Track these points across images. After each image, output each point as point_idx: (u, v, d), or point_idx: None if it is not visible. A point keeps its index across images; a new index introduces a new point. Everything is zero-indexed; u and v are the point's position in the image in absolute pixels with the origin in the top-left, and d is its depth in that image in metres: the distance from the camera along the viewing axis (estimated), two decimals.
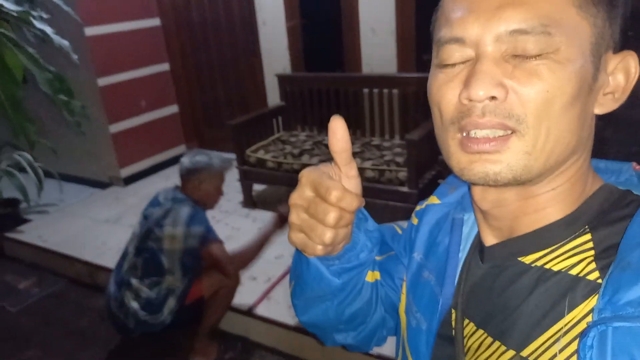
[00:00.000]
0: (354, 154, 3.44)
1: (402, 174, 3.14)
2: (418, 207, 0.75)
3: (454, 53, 0.50)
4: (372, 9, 3.76)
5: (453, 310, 0.61)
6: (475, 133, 0.48)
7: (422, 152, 3.10)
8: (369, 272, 0.72)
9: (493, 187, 0.53)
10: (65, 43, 1.75)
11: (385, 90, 3.79)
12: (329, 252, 0.58)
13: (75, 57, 1.77)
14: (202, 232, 2.27)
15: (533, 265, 0.52)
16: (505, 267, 0.55)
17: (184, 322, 2.40)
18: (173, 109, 5.08)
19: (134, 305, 2.26)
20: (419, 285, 0.68)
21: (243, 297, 2.81)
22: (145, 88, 4.74)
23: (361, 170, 3.29)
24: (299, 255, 0.65)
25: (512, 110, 0.47)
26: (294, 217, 0.56)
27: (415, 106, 3.66)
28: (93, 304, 3.14)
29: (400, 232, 0.77)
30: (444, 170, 2.97)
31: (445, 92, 0.51)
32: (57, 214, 4.26)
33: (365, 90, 3.87)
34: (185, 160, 2.35)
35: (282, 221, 2.43)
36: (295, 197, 0.55)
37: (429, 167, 3.32)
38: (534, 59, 0.46)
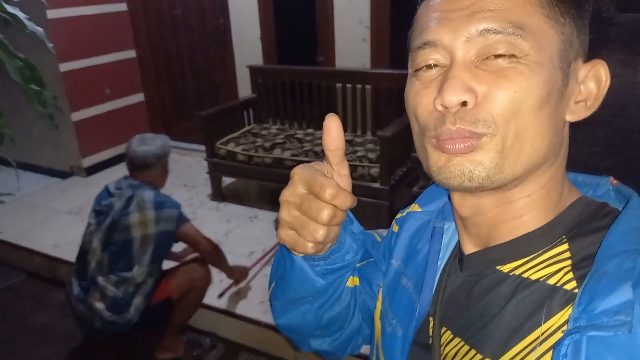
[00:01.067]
0: None
1: (374, 170, 3.14)
2: (399, 215, 0.75)
3: (427, 56, 0.52)
4: (347, 3, 3.73)
5: (431, 318, 0.61)
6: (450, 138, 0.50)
7: (394, 149, 3.12)
8: (350, 277, 0.72)
9: (471, 193, 0.53)
10: (39, 30, 1.63)
11: (359, 86, 3.78)
12: (318, 250, 0.57)
13: (50, 45, 1.66)
14: (176, 215, 2.22)
15: (511, 274, 0.53)
16: (484, 275, 0.55)
17: (151, 323, 2.32)
18: (139, 97, 4.93)
19: (100, 305, 2.16)
20: (397, 292, 0.68)
21: (217, 293, 2.76)
22: (110, 75, 4.58)
23: None
24: (283, 255, 0.64)
25: (481, 115, 0.48)
26: (285, 214, 0.55)
27: (388, 102, 3.67)
28: (53, 299, 3.02)
29: (379, 239, 0.77)
30: (416, 167, 2.99)
31: (421, 99, 0.52)
32: (14, 204, 4.07)
33: (339, 85, 3.86)
34: (144, 148, 2.24)
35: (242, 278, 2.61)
36: (287, 194, 0.55)
37: (400, 164, 3.34)
38: (504, 61, 0.48)
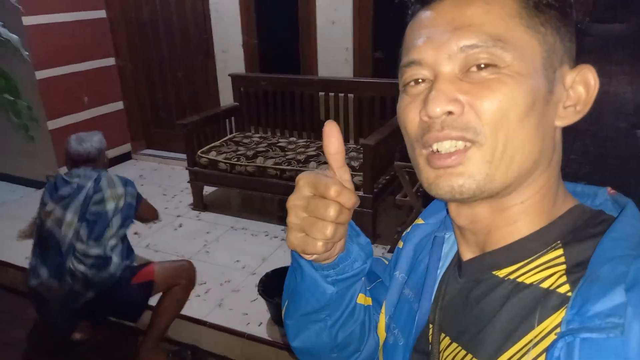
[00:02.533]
0: (309, 157, 3.41)
1: (357, 179, 3.13)
2: (404, 232, 0.76)
3: (413, 73, 0.54)
4: (330, 12, 3.74)
5: (430, 325, 0.62)
6: (437, 147, 0.51)
7: (377, 157, 3.12)
8: (362, 295, 0.72)
9: (465, 204, 0.55)
10: (14, 37, 1.58)
11: (341, 94, 3.78)
12: (327, 254, 0.58)
13: (26, 53, 1.61)
14: (136, 193, 2.45)
15: (506, 278, 0.53)
16: (480, 281, 0.56)
17: (129, 303, 2.38)
18: (118, 105, 4.86)
19: (81, 268, 2.27)
20: (399, 303, 0.69)
21: (198, 304, 2.71)
22: (88, 83, 4.50)
23: None
24: (294, 269, 0.66)
25: (469, 123, 0.49)
26: (293, 217, 0.56)
27: (370, 111, 3.68)
28: (28, 314, 2.92)
29: (386, 263, 0.79)
30: (399, 175, 2.99)
31: (409, 113, 0.54)
32: None
33: (321, 94, 3.85)
34: (87, 145, 2.41)
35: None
36: (293, 199, 0.56)
37: (383, 172, 3.34)
38: (487, 73, 0.49)
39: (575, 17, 0.54)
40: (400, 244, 0.75)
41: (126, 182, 2.42)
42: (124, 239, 2.43)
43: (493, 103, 0.49)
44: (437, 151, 0.51)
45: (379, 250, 3.13)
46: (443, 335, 0.59)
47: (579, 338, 0.42)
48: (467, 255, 0.60)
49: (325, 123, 0.57)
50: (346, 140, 3.86)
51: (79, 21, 4.33)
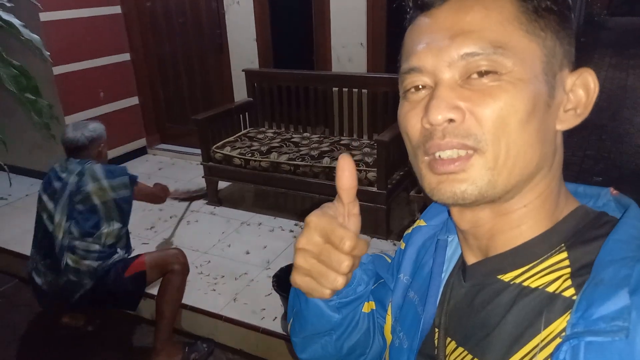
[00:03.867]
0: (323, 153, 3.42)
1: (372, 174, 3.14)
2: (405, 232, 0.77)
3: (414, 80, 0.54)
4: (343, 8, 3.73)
5: (436, 329, 0.62)
6: (439, 155, 0.51)
7: (391, 153, 3.11)
8: (365, 303, 0.73)
9: (468, 208, 0.55)
10: (36, 38, 1.60)
11: (355, 90, 3.77)
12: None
13: (47, 53, 1.62)
14: (128, 180, 2.43)
15: (512, 282, 0.54)
16: (485, 285, 0.56)
17: (123, 295, 2.42)
18: (133, 101, 4.90)
19: (86, 262, 2.31)
20: (404, 306, 0.70)
21: (214, 298, 2.74)
22: (104, 78, 4.54)
23: (330, 170, 3.26)
24: (297, 292, 0.67)
25: (470, 130, 0.50)
26: (301, 261, 0.56)
27: (384, 106, 3.67)
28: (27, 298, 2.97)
29: (389, 261, 0.80)
30: (412, 171, 2.99)
31: (410, 119, 0.54)
32: (6, 208, 4.03)
33: (335, 89, 3.85)
34: (78, 133, 2.41)
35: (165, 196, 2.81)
36: (304, 242, 0.56)
37: (397, 168, 3.33)
38: (487, 80, 0.49)
39: (593, 11, 0.54)
40: (402, 245, 0.76)
41: (112, 173, 2.38)
42: (124, 232, 2.46)
43: (494, 110, 0.49)
44: (440, 157, 0.51)
45: (393, 247, 3.13)
46: (449, 339, 0.59)
47: (584, 341, 0.42)
48: (471, 259, 0.60)
49: (339, 157, 0.56)
50: (360, 136, 3.86)
51: (94, 17, 4.37)
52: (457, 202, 0.52)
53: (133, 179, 2.47)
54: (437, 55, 0.51)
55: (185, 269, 2.50)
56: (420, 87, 0.54)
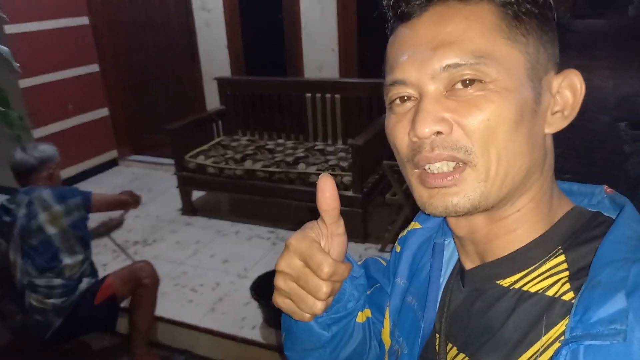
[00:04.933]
0: (298, 159, 3.41)
1: (347, 179, 3.14)
2: (400, 235, 0.76)
3: (398, 92, 0.53)
4: (314, 15, 3.75)
5: (437, 335, 0.61)
6: (429, 168, 0.51)
7: (366, 157, 3.13)
8: (359, 313, 0.72)
9: (461, 216, 0.54)
10: (5, 49, 1.55)
11: (328, 95, 3.79)
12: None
13: (17, 65, 1.57)
14: (80, 200, 2.27)
15: (511, 288, 0.53)
16: (484, 290, 0.56)
17: (98, 323, 2.34)
18: (103, 112, 4.82)
19: (50, 301, 2.18)
20: (402, 310, 0.69)
21: (191, 309, 2.70)
22: (73, 90, 4.46)
23: (306, 175, 3.26)
24: None
25: (459, 142, 0.49)
26: (281, 283, 0.56)
27: (357, 111, 3.69)
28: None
29: (384, 264, 0.79)
30: (388, 174, 3.01)
31: (397, 133, 0.53)
32: None
33: (308, 95, 3.86)
34: (26, 156, 2.26)
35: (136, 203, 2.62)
36: (283, 265, 0.56)
37: (372, 171, 3.35)
38: (472, 90, 0.49)
39: (557, 14, 0.54)
40: (398, 248, 0.75)
41: (62, 196, 2.22)
42: (88, 260, 2.32)
43: (481, 122, 0.48)
44: (430, 170, 0.51)
45: (370, 250, 3.14)
46: (450, 345, 0.59)
47: (582, 345, 0.42)
48: (468, 264, 0.59)
49: (320, 177, 0.56)
50: (334, 140, 3.87)
51: (61, 28, 4.29)
52: (450, 214, 0.52)
53: (86, 197, 2.29)
54: (420, 67, 0.50)
55: (155, 281, 2.42)
56: (405, 98, 0.53)
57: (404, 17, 0.53)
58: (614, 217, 0.52)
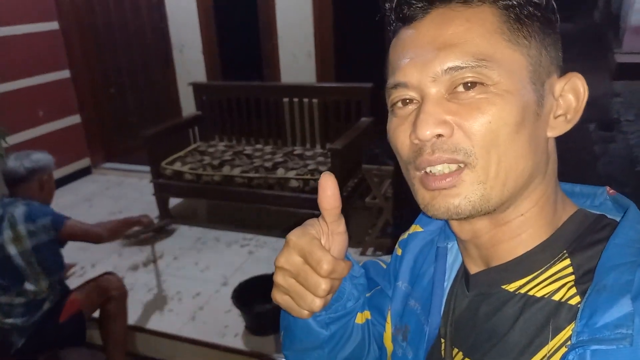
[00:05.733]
0: (277, 164, 3.40)
1: None
2: (401, 238, 0.76)
3: (400, 95, 0.53)
4: (290, 19, 3.74)
5: (442, 340, 0.61)
6: (430, 170, 0.51)
7: (345, 161, 3.13)
8: (358, 314, 0.72)
9: (464, 220, 0.54)
10: None
11: (305, 100, 3.78)
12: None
13: None
14: (50, 221, 2.12)
15: (517, 292, 0.53)
16: (489, 295, 0.56)
17: (66, 340, 2.23)
18: (75, 119, 4.71)
19: (9, 321, 2.07)
20: (405, 314, 0.68)
21: (171, 318, 2.65)
22: (43, 97, 4.35)
23: (285, 181, 3.24)
24: None
25: (459, 144, 0.49)
26: (280, 279, 0.56)
27: (335, 115, 3.70)
28: None
29: (384, 266, 0.78)
30: (367, 178, 3.02)
31: (399, 135, 0.54)
32: None
33: (285, 100, 3.84)
34: (19, 163, 2.16)
35: (149, 223, 2.52)
36: (282, 261, 0.55)
37: (352, 175, 3.36)
38: (474, 93, 0.49)
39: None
40: (399, 251, 0.74)
41: (31, 215, 2.08)
42: (54, 285, 2.17)
43: (482, 124, 0.48)
44: (431, 173, 0.51)
45: (350, 254, 3.14)
46: (455, 350, 0.58)
47: (589, 350, 0.42)
48: (473, 268, 0.59)
49: (322, 175, 0.55)
50: (312, 145, 3.87)
51: (30, 34, 4.18)
52: (452, 217, 0.51)
53: (57, 221, 2.13)
54: (421, 70, 0.50)
55: (123, 293, 2.33)
56: (407, 101, 0.53)
57: (406, 20, 0.53)
58: (617, 219, 0.52)
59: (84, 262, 3.13)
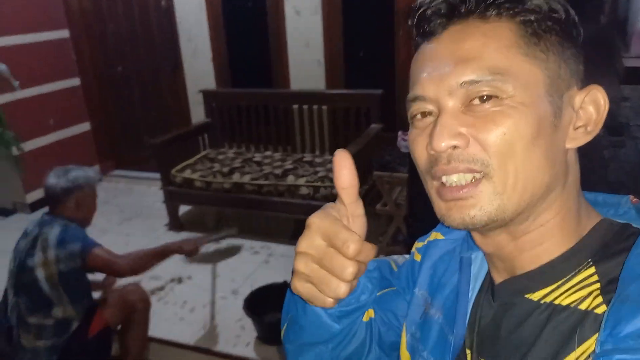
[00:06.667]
0: (287, 171, 3.39)
1: None
2: (420, 244, 0.74)
3: (419, 107, 0.55)
4: (299, 26, 3.75)
5: (468, 350, 0.60)
6: (446, 180, 0.52)
7: (355, 168, 3.11)
8: (365, 312, 0.71)
9: (484, 234, 0.55)
10: (3, 67, 1.49)
11: (315, 107, 3.78)
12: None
13: (16, 83, 1.52)
14: (79, 249, 2.04)
15: (542, 302, 0.53)
16: (514, 304, 0.55)
17: (93, 355, 2.19)
18: (85, 127, 4.73)
19: (41, 342, 2.03)
20: (426, 324, 0.67)
21: (182, 328, 2.64)
22: (54, 105, 4.37)
23: (295, 187, 3.23)
24: (294, 298, 0.63)
25: (476, 155, 0.50)
26: (302, 266, 0.53)
27: (345, 122, 3.69)
28: None
29: (395, 268, 0.76)
30: (378, 185, 3.01)
31: (417, 146, 0.55)
32: None
33: (295, 107, 3.84)
34: (58, 180, 2.10)
35: (195, 251, 2.31)
36: (305, 246, 0.53)
37: (362, 182, 3.34)
38: (489, 106, 0.50)
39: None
40: (418, 257, 0.73)
41: (63, 241, 2.01)
42: (82, 311, 2.10)
43: (497, 136, 0.49)
44: (447, 183, 0.52)
45: None
46: None
47: (613, 359, 0.41)
48: (498, 278, 0.59)
49: (336, 152, 0.54)
50: (322, 152, 3.86)
51: (41, 42, 4.21)
52: (468, 227, 0.52)
53: (85, 249, 2.03)
54: (438, 84, 0.52)
55: (147, 304, 2.33)
56: (426, 113, 0.55)
57: (426, 36, 0.55)
58: None
59: None
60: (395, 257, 0.79)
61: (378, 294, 0.72)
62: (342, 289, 0.51)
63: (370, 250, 0.51)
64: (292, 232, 3.30)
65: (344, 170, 0.54)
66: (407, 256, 0.78)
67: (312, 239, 0.52)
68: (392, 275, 0.75)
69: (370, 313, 0.72)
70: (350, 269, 0.50)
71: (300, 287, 0.53)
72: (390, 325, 0.72)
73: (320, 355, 0.68)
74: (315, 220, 0.53)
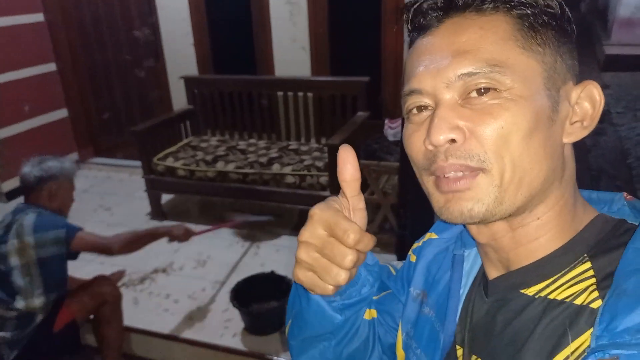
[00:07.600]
0: (272, 160, 3.34)
1: (324, 179, 3.10)
2: (415, 245, 0.76)
3: (415, 101, 0.54)
4: (283, 12, 3.68)
5: (458, 346, 0.61)
6: (444, 174, 0.52)
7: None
8: (367, 310, 0.72)
9: (482, 224, 0.55)
10: None
11: (300, 94, 3.72)
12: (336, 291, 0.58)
13: None
14: (64, 235, 2.02)
15: (537, 296, 0.53)
16: (509, 300, 0.56)
17: (59, 350, 2.16)
18: (62, 113, 4.59)
19: (1, 334, 1.99)
20: (419, 322, 0.68)
21: (167, 318, 2.59)
22: (29, 91, 4.22)
23: (281, 176, 3.19)
24: (298, 292, 0.66)
25: (472, 150, 0.50)
26: (304, 255, 0.55)
27: (331, 109, 3.65)
28: None
29: (394, 272, 0.78)
30: (365, 173, 2.98)
31: (413, 142, 0.55)
32: None
33: (280, 94, 3.78)
34: (31, 169, 2.09)
35: (184, 237, 2.32)
36: (307, 235, 0.55)
37: None
38: (487, 98, 0.50)
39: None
40: (413, 258, 0.74)
41: (42, 226, 1.98)
42: (49, 303, 2.07)
43: (494, 129, 0.49)
44: (445, 176, 0.52)
45: None
46: (474, 357, 0.58)
47: (609, 354, 0.42)
48: (493, 273, 0.59)
49: (340, 147, 0.55)
50: (307, 140, 3.81)
51: (14, 25, 4.05)
52: (466, 220, 0.52)
53: (71, 232, 2.03)
54: (435, 76, 0.51)
55: (117, 296, 2.27)
56: (422, 107, 0.54)
57: (422, 30, 0.55)
58: (637, 224, 0.52)
59: None
60: (394, 262, 0.81)
61: (375, 298, 0.75)
62: (342, 276, 0.54)
63: (369, 240, 0.53)
64: (276, 222, 3.26)
65: (348, 165, 0.55)
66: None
67: (314, 229, 0.54)
68: (389, 279, 0.77)
69: (372, 313, 0.74)
70: (350, 257, 0.53)
71: (302, 275, 0.56)
72: (388, 327, 0.74)
73: (324, 353, 0.69)
74: (317, 211, 0.55)
